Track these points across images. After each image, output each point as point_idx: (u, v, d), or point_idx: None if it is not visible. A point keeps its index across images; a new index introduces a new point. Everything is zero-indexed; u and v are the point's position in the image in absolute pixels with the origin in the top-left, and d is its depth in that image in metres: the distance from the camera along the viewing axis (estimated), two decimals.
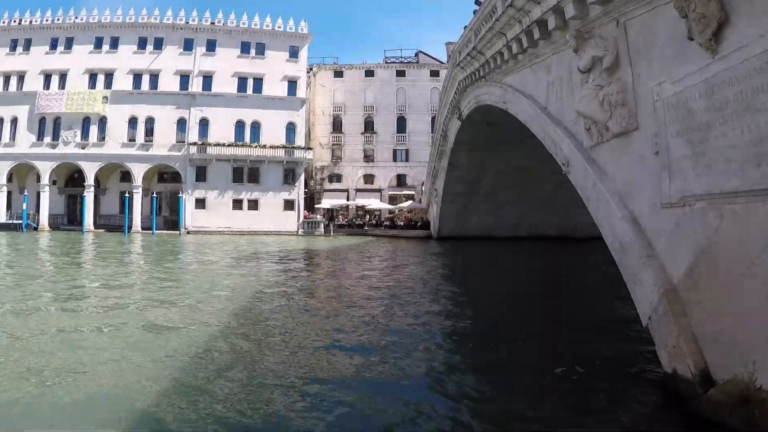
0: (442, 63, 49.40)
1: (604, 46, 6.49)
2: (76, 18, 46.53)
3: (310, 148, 45.99)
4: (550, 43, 9.34)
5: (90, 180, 43.52)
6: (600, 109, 6.54)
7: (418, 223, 40.80)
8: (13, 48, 46.94)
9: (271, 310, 10.29)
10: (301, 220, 43.74)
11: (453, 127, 26.15)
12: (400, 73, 50.66)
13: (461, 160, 28.07)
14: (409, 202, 45.01)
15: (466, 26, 17.96)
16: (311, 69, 50.48)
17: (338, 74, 51.64)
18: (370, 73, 51.05)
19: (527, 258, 23.53)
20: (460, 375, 6.43)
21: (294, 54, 45.77)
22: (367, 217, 48.11)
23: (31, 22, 47.05)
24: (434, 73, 49.48)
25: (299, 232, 42.80)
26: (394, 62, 51.29)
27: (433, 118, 44.46)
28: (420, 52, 53.20)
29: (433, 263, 21.70)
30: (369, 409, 5.19)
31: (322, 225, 43.68)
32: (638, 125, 5.90)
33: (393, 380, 6.04)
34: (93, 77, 45.19)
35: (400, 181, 49.53)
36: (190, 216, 43.21)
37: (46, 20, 46.87)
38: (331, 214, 47.99)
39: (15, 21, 47.51)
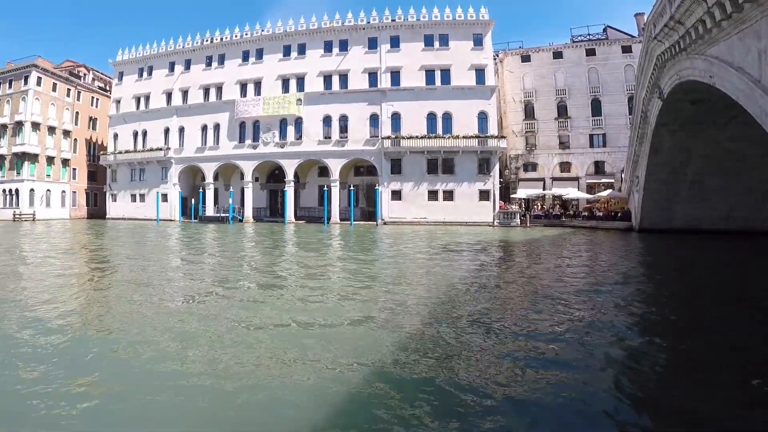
0: (634, 37, 47.70)
1: None
2: (263, 31, 50.82)
3: (504, 137, 45.44)
4: (757, 5, 8.34)
5: (290, 176, 46.85)
6: None
7: (618, 214, 38.89)
8: (209, 63, 52.33)
9: (472, 308, 9.73)
10: (496, 211, 43.33)
11: (653, 107, 24.59)
12: (590, 52, 48.87)
13: (664, 143, 26.22)
14: (608, 191, 43.01)
15: None
16: (497, 55, 50.50)
17: (525, 59, 51.16)
18: (558, 55, 49.92)
19: (743, 257, 20.03)
20: (650, 379, 6.04)
21: (478, 42, 46.04)
22: (563, 207, 46.70)
23: (222, 39, 52.26)
24: (626, 49, 47.41)
25: (495, 223, 42.45)
26: (581, 41, 49.66)
27: (629, 99, 42.78)
28: (608, 27, 51.17)
29: (635, 259, 19.27)
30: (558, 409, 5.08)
31: (518, 216, 42.92)
32: None
33: (580, 387, 5.70)
34: (285, 82, 48.87)
35: (598, 168, 47.45)
36: (387, 207, 44.55)
37: (236, 36, 51.76)
38: (526, 204, 47.07)
39: (207, 40, 53.06)
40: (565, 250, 22.78)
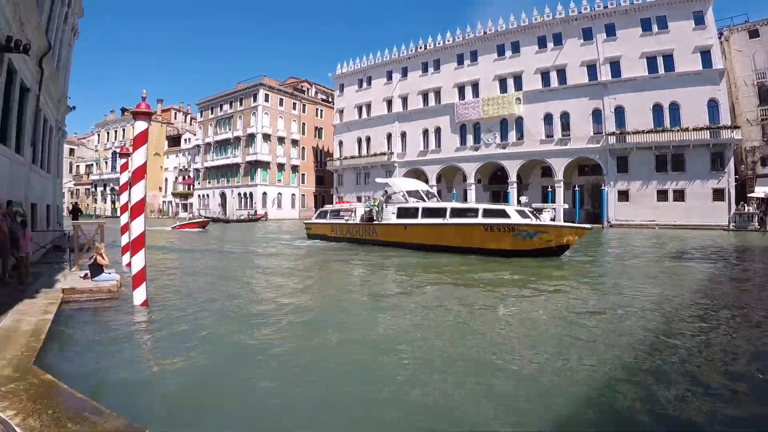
0: None
1: None
2: (475, 33, 58.05)
3: (738, 127, 45.36)
4: None
5: (512, 177, 53.96)
6: None
7: None
8: (425, 69, 61.38)
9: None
10: (731, 213, 43.44)
11: None
12: None
13: None
14: None
15: None
16: (722, 34, 50.13)
17: (753, 34, 49.61)
18: None
19: None
20: None
21: (699, 20, 46.45)
22: None
23: (435, 45, 60.66)
24: None
25: (730, 227, 42.57)
26: None
27: None
28: None
29: None
30: None
31: (756, 218, 42.14)
32: None
33: None
34: (503, 82, 55.80)
35: None
36: (613, 208, 48.52)
37: (448, 41, 59.86)
38: (765, 204, 45.07)
39: (421, 47, 62.02)
40: None
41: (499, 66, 56.05)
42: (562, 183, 51.47)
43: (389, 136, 63.63)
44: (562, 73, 52.68)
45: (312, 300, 11.97)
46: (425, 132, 60.63)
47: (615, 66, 50.03)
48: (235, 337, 8.11)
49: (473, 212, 21.74)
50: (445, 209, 22.60)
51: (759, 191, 44.83)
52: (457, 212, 22.21)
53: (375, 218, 26.53)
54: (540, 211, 21.62)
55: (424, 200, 25.84)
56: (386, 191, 27.24)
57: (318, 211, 34.36)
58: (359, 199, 66.74)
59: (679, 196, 45.92)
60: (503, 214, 20.56)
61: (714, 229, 42.40)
